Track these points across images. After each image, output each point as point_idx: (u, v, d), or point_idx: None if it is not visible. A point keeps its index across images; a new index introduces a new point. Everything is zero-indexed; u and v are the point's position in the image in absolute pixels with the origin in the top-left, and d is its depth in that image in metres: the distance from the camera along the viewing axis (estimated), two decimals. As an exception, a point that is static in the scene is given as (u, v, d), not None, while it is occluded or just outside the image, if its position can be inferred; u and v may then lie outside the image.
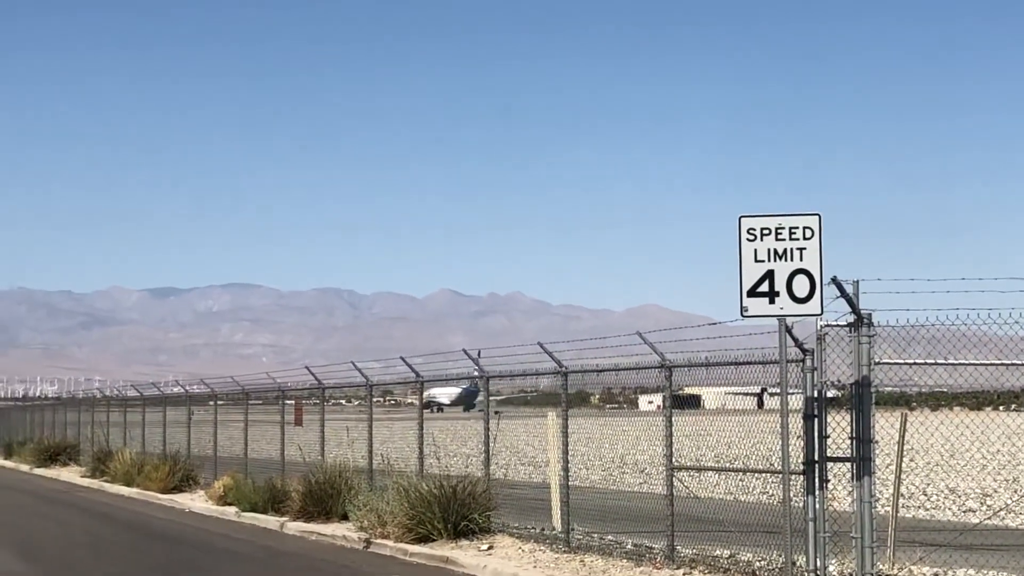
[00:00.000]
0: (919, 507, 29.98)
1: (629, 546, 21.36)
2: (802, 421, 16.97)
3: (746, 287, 15.55)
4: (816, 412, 16.93)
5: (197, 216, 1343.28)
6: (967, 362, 17.01)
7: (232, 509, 32.61)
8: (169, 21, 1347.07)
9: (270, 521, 29.89)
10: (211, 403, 44.05)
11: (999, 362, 16.95)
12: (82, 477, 48.90)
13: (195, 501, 36.35)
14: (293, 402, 38.13)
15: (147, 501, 38.23)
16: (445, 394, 41.56)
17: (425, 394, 29.71)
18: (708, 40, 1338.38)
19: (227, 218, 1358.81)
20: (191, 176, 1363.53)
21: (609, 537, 22.19)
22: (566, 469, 23.16)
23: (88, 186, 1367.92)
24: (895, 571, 17.97)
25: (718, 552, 19.91)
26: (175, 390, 53.25)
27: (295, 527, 28.37)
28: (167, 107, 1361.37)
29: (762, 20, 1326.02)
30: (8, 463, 63.59)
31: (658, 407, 22.61)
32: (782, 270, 15.48)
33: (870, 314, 16.62)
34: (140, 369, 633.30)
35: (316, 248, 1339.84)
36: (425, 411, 29.02)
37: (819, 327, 16.82)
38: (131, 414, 52.08)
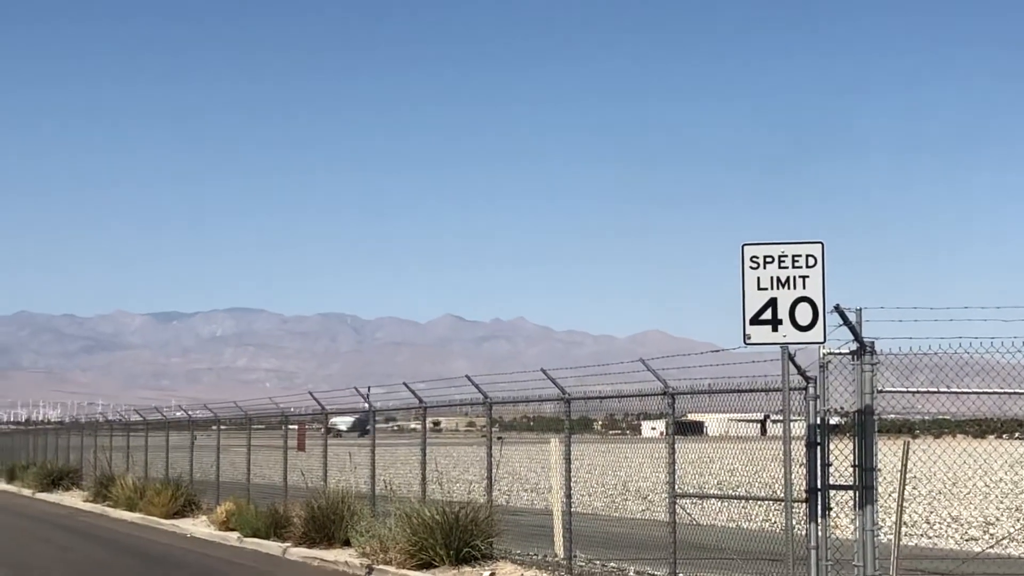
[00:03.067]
0: (922, 535, 29.95)
1: (631, 573, 21.34)
2: (805, 449, 16.98)
3: (749, 315, 15.52)
4: (819, 440, 16.93)
5: (201, 240, 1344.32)
6: (970, 391, 17.00)
7: (234, 534, 32.58)
8: (171, 46, 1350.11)
9: (272, 547, 29.84)
10: (214, 428, 44.03)
11: (1002, 391, 16.93)
12: (84, 502, 48.86)
13: (197, 526, 36.30)
14: (296, 427, 38.13)
15: (149, 526, 38.17)
16: (343, 422, 44.97)
17: (332, 421, 33.08)
18: (711, 67, 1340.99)
19: (231, 242, 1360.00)
20: (195, 200, 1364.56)
21: (612, 564, 22.16)
22: (568, 495, 23.13)
23: (92, 210, 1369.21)
24: (898, 599, 17.92)
25: (720, 580, 19.88)
26: (178, 415, 53.17)
27: (297, 553, 28.33)
28: (172, 132, 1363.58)
29: (763, 47, 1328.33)
30: (11, 487, 63.51)
31: (661, 433, 22.63)
32: (785, 298, 15.47)
33: (873, 342, 16.63)
34: (143, 394, 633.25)
35: (320, 273, 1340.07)
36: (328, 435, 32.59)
37: (822, 355, 16.82)
38: (134, 439, 52.03)
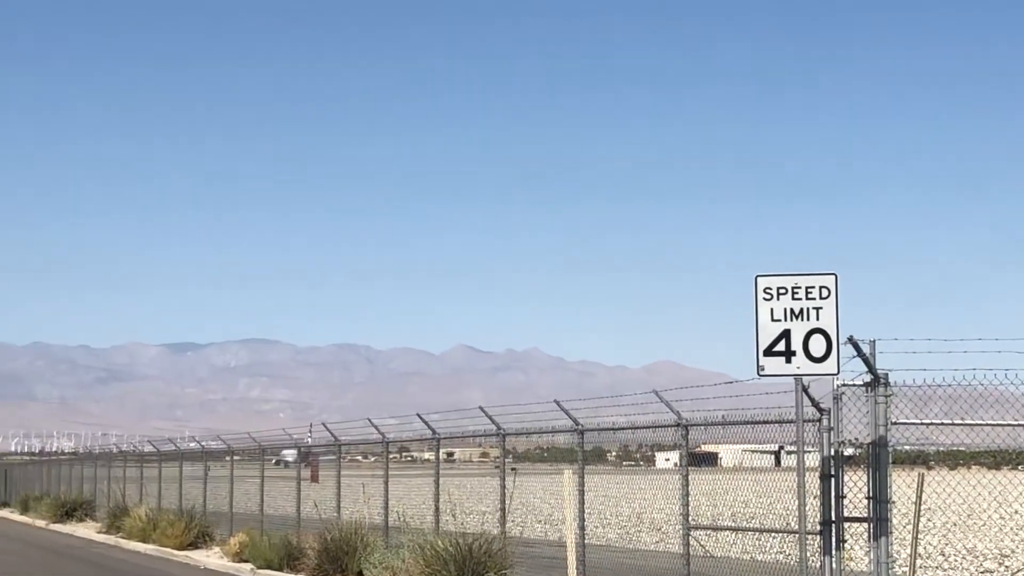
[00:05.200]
0: (937, 568, 29.84)
1: (645, 605, 21.28)
2: (819, 480, 16.94)
3: (763, 346, 15.52)
4: (833, 472, 16.89)
5: (215, 271, 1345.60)
6: (985, 422, 16.96)
7: (247, 566, 32.54)
8: (182, 74, 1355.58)
9: (286, 578, 29.80)
10: (227, 459, 44.05)
11: (1017, 422, 16.89)
12: (98, 533, 48.85)
13: (210, 557, 36.27)
14: (310, 458, 38.16)
15: (163, 557, 38.16)
16: (290, 453, 48.59)
17: (282, 453, 36.33)
18: (721, 94, 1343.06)
19: (245, 273, 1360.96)
20: (209, 232, 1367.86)
21: (625, 596, 22.09)
22: (582, 527, 23.08)
23: (105, 241, 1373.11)
24: (913, 632, 17.84)
25: (735, 612, 19.82)
26: (191, 446, 53.25)
27: (310, 584, 28.28)
28: (184, 162, 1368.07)
29: (778, 76, 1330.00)
30: (24, 518, 63.57)
31: (675, 465, 22.60)
32: (799, 329, 15.47)
33: (887, 374, 16.61)
34: (157, 424, 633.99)
35: (334, 304, 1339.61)
36: (276, 466, 34.15)
37: (836, 386, 16.79)
38: (147, 469, 52.09)
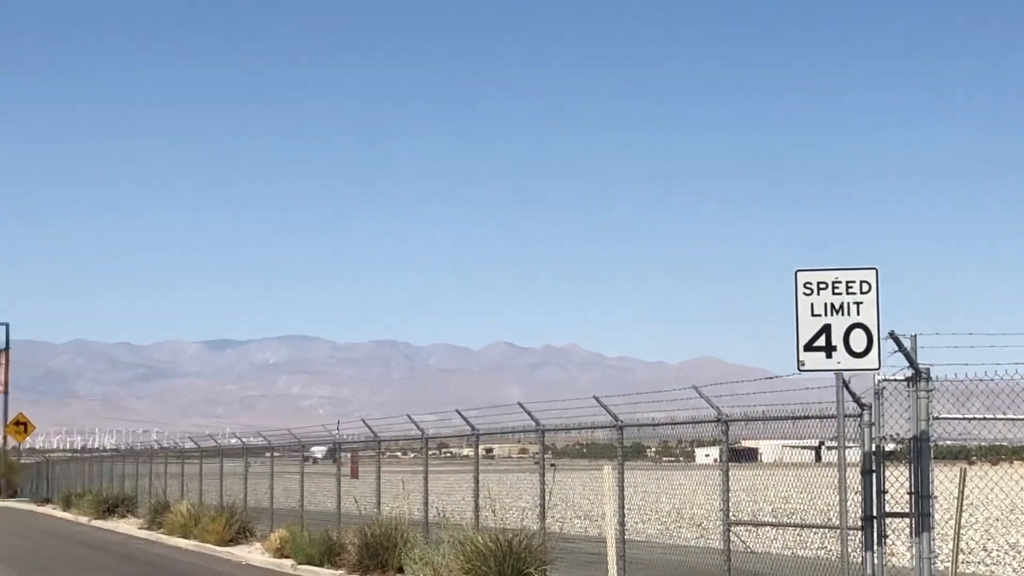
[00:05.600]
0: (979, 563, 29.68)
1: (686, 601, 21.24)
2: (860, 476, 16.88)
3: (803, 341, 15.48)
4: (874, 467, 16.84)
5: (255, 268, 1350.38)
6: (1027, 417, 16.86)
7: (288, 562, 32.66)
8: (225, 75, 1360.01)
9: (326, 574, 29.88)
10: (268, 455, 44.21)
11: (1060, 417, 16.77)
12: (140, 529, 49.12)
13: (252, 553, 36.41)
14: (349, 454, 38.25)
15: (204, 553, 38.33)
16: (319, 450, 50.30)
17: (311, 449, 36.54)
18: (760, 89, 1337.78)
19: (284, 270, 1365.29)
20: (249, 230, 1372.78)
21: (665, 592, 22.05)
22: (622, 523, 23.06)
23: (145, 239, 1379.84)
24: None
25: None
26: (232, 442, 53.42)
27: (351, 580, 28.35)
28: (224, 160, 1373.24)
29: (815, 71, 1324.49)
30: (67, 514, 63.95)
31: (714, 460, 22.55)
32: (839, 324, 15.42)
33: (928, 368, 16.53)
34: (198, 421, 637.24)
35: (373, 300, 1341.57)
36: (305, 462, 34.43)
37: (877, 381, 16.74)
38: (188, 466, 52.33)
